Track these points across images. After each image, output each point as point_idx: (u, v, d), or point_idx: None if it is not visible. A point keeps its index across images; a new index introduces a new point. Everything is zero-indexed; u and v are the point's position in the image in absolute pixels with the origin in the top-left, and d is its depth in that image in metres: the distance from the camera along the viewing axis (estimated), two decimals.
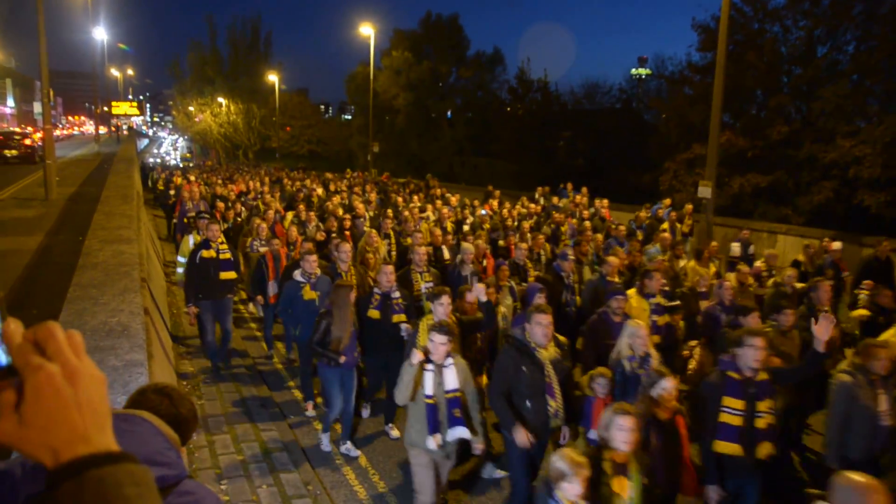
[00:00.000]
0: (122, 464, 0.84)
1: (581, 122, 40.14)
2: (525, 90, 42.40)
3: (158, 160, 59.91)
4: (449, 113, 49.42)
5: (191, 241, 9.54)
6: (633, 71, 60.84)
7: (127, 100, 74.65)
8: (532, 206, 16.53)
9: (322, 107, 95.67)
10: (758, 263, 10.36)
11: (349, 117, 74.53)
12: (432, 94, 48.17)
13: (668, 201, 15.57)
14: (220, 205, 14.89)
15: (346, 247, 8.39)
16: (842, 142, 20.14)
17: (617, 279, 8.28)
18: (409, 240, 10.93)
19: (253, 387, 8.31)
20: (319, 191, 19.36)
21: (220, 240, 8.45)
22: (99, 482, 0.80)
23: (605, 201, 16.85)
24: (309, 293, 7.53)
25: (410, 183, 25.25)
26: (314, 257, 7.76)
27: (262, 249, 9.94)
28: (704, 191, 14.08)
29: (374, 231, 10.71)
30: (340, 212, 13.33)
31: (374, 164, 33.07)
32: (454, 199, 16.67)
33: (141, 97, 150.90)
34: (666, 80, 31.75)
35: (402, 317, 6.94)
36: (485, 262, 9.79)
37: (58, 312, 5.03)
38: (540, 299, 6.46)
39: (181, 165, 51.56)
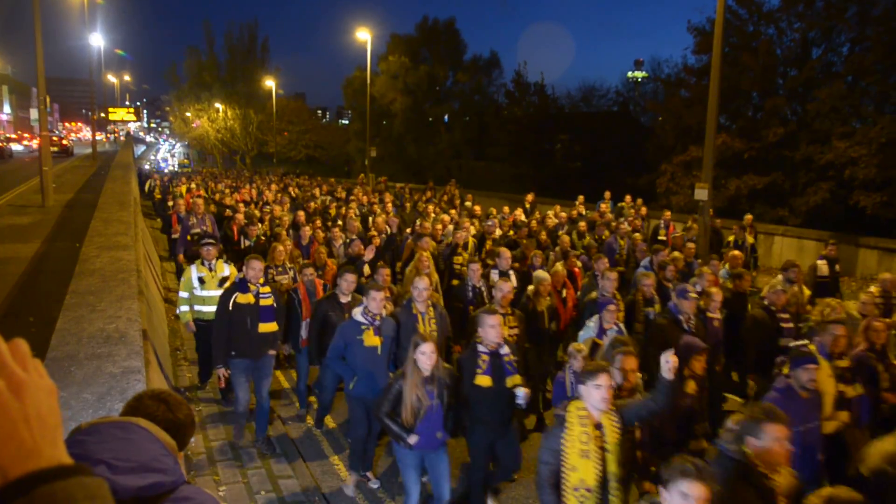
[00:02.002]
0: (74, 477, 0.81)
1: (578, 124, 40.22)
2: (522, 94, 42.48)
3: (154, 166, 59.82)
4: (446, 117, 49.46)
5: (193, 273, 7.76)
6: (630, 74, 61.14)
7: (124, 106, 74.63)
8: (563, 214, 14.78)
9: (319, 112, 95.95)
10: (871, 289, 8.23)
11: (346, 122, 74.74)
12: (429, 99, 48.26)
13: (668, 213, 15.11)
14: (240, 217, 12.32)
15: (424, 282, 6.53)
16: (837, 143, 20.20)
17: (719, 316, 7.07)
18: (461, 263, 9.47)
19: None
20: (327, 199, 17.96)
21: (260, 280, 6.63)
22: (51, 498, 0.77)
23: (643, 209, 16.20)
24: (371, 339, 5.93)
25: (428, 190, 23.10)
26: (381, 295, 6.04)
27: (282, 279, 8.50)
28: (701, 193, 14.08)
29: (426, 252, 8.99)
30: (383, 224, 11.92)
31: (371, 169, 33.05)
32: (477, 209, 15.21)
33: (138, 103, 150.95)
34: (662, 82, 31.91)
35: (517, 378, 5.34)
36: (565, 293, 8.17)
37: (55, 320, 5.03)
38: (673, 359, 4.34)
39: (178, 171, 51.44)
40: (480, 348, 5.31)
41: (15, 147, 52.37)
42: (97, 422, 1.63)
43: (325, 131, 68.84)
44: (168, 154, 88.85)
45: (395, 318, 6.33)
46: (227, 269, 7.92)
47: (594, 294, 7.56)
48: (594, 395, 3.96)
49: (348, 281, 6.80)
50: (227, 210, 14.81)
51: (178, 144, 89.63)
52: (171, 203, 16.10)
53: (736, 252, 9.97)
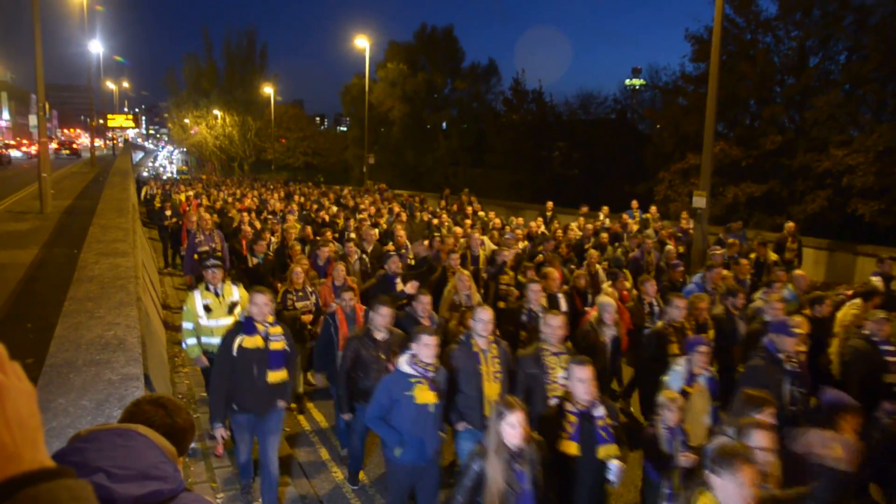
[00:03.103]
0: (57, 480, 0.81)
1: (576, 132, 40.29)
2: (520, 101, 42.58)
3: (153, 173, 59.82)
4: (444, 124, 49.61)
5: (197, 300, 6.63)
6: (628, 81, 61.35)
7: (122, 112, 74.68)
8: (590, 226, 13.71)
9: (317, 118, 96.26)
10: None
11: (345, 129, 74.83)
12: (427, 106, 48.41)
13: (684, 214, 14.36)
14: (248, 230, 11.16)
15: (488, 313, 5.42)
16: (835, 151, 20.28)
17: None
18: (507, 283, 8.88)
19: None
20: (333, 209, 16.84)
21: (268, 318, 5.47)
22: (34, 501, 0.77)
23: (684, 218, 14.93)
24: (424, 394, 4.72)
25: (442, 199, 21.81)
26: (435, 340, 4.77)
27: (303, 306, 7.70)
28: (699, 200, 14.12)
29: (465, 271, 7.97)
30: (405, 239, 11.08)
31: (369, 176, 33.09)
32: (496, 220, 14.35)
33: (136, 110, 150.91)
34: (660, 90, 31.98)
35: (613, 448, 4.23)
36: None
37: (53, 326, 5.01)
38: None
39: (177, 178, 51.42)
40: (568, 407, 4.29)
41: (14, 153, 52.43)
42: (96, 429, 1.62)
43: (324, 138, 69.13)
44: (166, 161, 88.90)
45: (446, 363, 5.16)
46: (236, 293, 6.77)
47: (660, 325, 6.69)
48: (733, 496, 2.98)
49: (384, 316, 5.68)
50: (234, 221, 13.75)
51: (177, 151, 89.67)
52: (168, 212, 15.60)
53: (801, 273, 9.04)
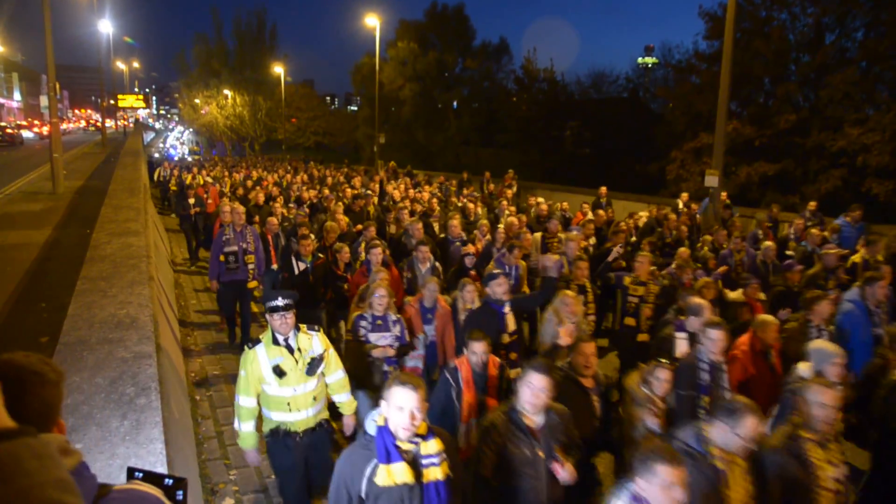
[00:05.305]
0: (19, 439, 0.82)
1: (587, 111, 40.00)
2: (531, 80, 42.26)
3: (165, 154, 59.99)
4: (455, 103, 49.39)
5: (261, 358, 4.37)
6: (640, 60, 60.62)
7: (133, 93, 74.81)
8: (636, 216, 11.89)
9: (328, 98, 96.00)
10: None
11: (355, 108, 74.62)
12: (438, 85, 48.18)
13: (799, 222, 10.66)
14: (274, 222, 9.53)
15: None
16: (850, 130, 20.06)
17: None
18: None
19: None
20: (350, 191, 14.67)
21: (420, 428, 3.06)
22: None
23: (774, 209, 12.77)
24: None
25: (465, 183, 18.96)
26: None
27: (377, 341, 5.61)
28: (711, 180, 13.98)
29: (569, 293, 5.94)
30: (459, 230, 9.19)
31: (380, 156, 33.01)
32: (543, 206, 12.18)
33: (147, 90, 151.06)
34: (673, 68, 31.66)
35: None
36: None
37: (66, 305, 5.06)
38: None
39: (190, 159, 51.53)
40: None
41: (26, 134, 52.66)
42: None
43: (334, 118, 68.99)
44: (177, 141, 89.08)
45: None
46: (317, 343, 4.52)
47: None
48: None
49: (537, 388, 3.56)
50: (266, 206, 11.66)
51: (187, 132, 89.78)
52: (191, 201, 13.79)
53: (886, 269, 6.97)
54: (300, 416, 4.41)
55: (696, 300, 5.71)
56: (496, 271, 6.13)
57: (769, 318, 5.49)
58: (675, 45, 48.71)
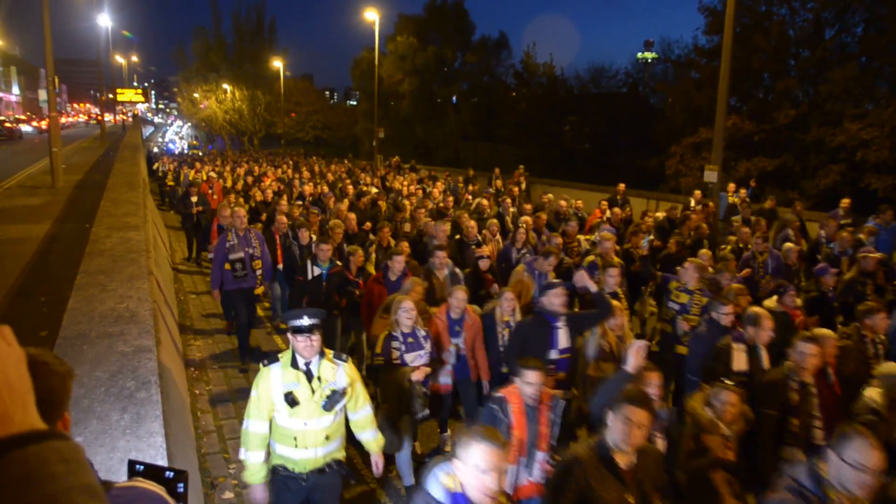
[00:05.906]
0: (47, 441, 0.82)
1: (587, 106, 40.01)
2: (530, 75, 42.21)
3: (164, 148, 59.86)
4: (454, 98, 49.32)
5: (275, 385, 3.71)
6: (640, 55, 60.68)
7: (132, 87, 74.69)
8: (656, 213, 11.12)
9: (327, 93, 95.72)
10: None
11: (354, 103, 74.46)
12: (437, 80, 48.12)
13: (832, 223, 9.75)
14: (283, 220, 8.83)
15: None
16: (849, 125, 20.06)
17: None
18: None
19: None
20: (374, 191, 13.96)
21: (500, 499, 2.64)
22: (24, 462, 0.78)
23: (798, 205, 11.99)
24: None
25: (471, 180, 17.69)
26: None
27: (414, 361, 5.10)
28: (711, 175, 13.97)
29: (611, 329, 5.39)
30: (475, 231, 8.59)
31: (379, 150, 32.97)
32: (563, 202, 11.58)
33: (146, 84, 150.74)
34: (672, 63, 31.66)
35: None
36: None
37: (66, 299, 5.07)
38: None
39: (188, 152, 51.39)
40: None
41: (24, 128, 52.53)
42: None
43: (333, 112, 68.78)
44: (176, 136, 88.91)
45: None
46: (341, 375, 3.84)
47: None
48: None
49: (634, 424, 3.21)
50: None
51: (186, 126, 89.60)
52: (194, 199, 13.04)
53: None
54: (306, 454, 3.73)
55: (756, 309, 5.13)
56: (555, 280, 5.67)
57: (826, 331, 4.98)
58: (675, 40, 48.61)
